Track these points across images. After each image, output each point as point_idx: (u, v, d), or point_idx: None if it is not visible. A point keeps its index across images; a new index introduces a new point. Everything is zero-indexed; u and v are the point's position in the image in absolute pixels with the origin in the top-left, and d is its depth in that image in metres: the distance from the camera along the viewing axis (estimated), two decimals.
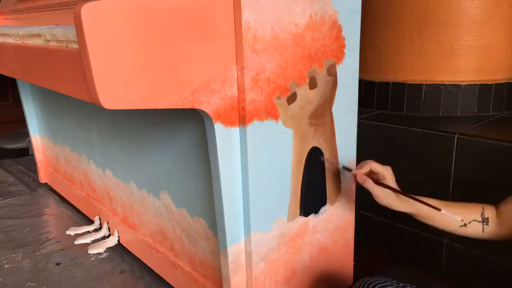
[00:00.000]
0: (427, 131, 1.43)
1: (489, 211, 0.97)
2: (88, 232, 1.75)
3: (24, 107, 2.17)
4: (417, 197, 0.97)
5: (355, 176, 1.03)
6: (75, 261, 1.58)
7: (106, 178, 1.67)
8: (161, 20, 0.81)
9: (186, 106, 0.87)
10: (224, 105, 0.93)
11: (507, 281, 1.28)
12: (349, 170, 1.10)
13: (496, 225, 0.96)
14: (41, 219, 1.93)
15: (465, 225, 0.96)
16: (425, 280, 1.44)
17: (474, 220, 0.96)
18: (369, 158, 1.04)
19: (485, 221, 0.96)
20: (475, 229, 0.96)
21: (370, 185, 1.00)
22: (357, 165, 1.08)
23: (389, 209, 1.01)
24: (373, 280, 0.90)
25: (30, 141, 2.31)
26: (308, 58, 1.03)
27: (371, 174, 1.02)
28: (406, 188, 1.00)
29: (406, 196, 0.98)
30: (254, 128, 0.97)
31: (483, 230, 0.96)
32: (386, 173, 1.01)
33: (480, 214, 0.96)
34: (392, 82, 1.69)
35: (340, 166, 1.18)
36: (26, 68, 1.22)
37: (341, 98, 1.14)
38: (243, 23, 0.89)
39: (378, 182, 1.00)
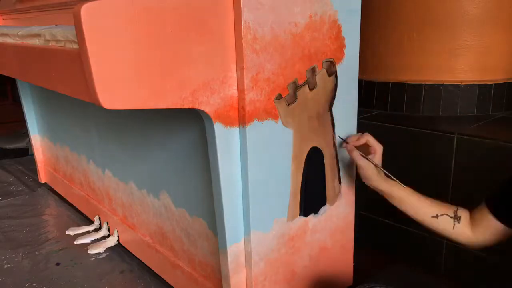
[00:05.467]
0: (426, 131, 1.43)
1: (463, 212, 0.98)
2: (88, 232, 1.75)
3: (23, 107, 2.17)
4: (391, 176, 1.03)
5: (346, 144, 1.08)
6: (75, 261, 1.57)
7: (105, 178, 1.67)
8: (160, 20, 0.81)
9: (186, 106, 0.87)
10: (223, 105, 0.93)
11: (507, 281, 1.28)
12: (344, 140, 1.11)
13: (467, 227, 0.96)
14: (41, 219, 1.93)
15: (436, 216, 0.97)
16: (425, 280, 1.44)
17: (446, 214, 0.97)
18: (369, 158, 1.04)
19: (457, 218, 0.97)
20: (445, 224, 0.97)
21: (356, 156, 1.04)
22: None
23: (371, 189, 1.05)
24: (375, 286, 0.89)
25: (29, 141, 2.31)
26: (307, 58, 1.03)
27: (362, 147, 1.05)
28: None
29: (383, 172, 1.03)
30: (254, 128, 0.97)
31: (453, 227, 0.96)
32: (378, 150, 1.04)
33: (453, 211, 0.98)
34: (392, 82, 1.69)
35: (337, 136, 1.16)
36: (25, 68, 1.22)
37: (341, 98, 1.14)
38: (242, 23, 0.89)
39: (364, 156, 1.04)
